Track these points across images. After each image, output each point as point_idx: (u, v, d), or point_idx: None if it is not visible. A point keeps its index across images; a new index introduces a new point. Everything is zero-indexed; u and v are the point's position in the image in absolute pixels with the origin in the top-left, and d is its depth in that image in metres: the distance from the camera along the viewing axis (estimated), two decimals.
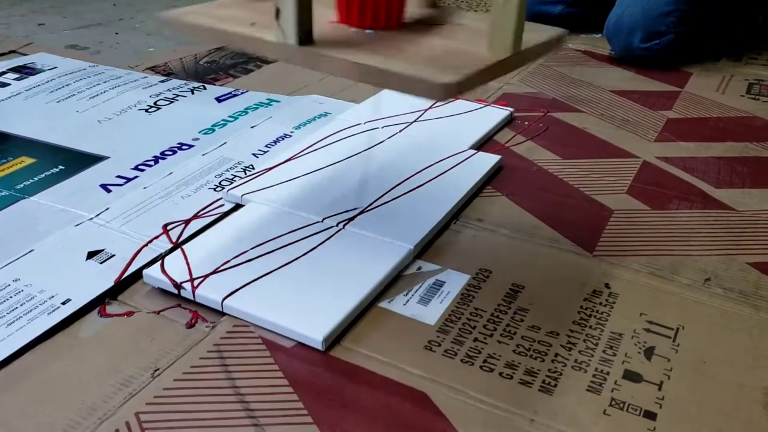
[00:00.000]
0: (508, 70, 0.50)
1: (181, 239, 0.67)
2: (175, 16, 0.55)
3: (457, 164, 0.79)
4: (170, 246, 0.66)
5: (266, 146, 0.86)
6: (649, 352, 0.55)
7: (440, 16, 0.58)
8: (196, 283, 0.59)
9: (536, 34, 0.53)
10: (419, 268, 0.64)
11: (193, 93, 1.02)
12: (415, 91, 0.45)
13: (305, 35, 0.49)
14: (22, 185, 0.77)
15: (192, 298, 0.58)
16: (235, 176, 0.78)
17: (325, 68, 0.49)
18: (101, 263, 0.63)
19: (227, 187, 0.74)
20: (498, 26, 0.48)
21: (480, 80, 0.47)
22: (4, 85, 1.05)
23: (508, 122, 0.94)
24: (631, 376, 0.52)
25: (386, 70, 0.46)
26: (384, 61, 0.47)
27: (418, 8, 0.59)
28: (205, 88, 1.04)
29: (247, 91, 1.03)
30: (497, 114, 0.92)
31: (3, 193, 0.75)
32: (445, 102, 0.95)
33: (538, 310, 0.59)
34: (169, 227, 0.69)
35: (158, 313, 0.58)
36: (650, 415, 0.49)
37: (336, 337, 0.55)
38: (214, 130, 0.90)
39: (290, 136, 0.89)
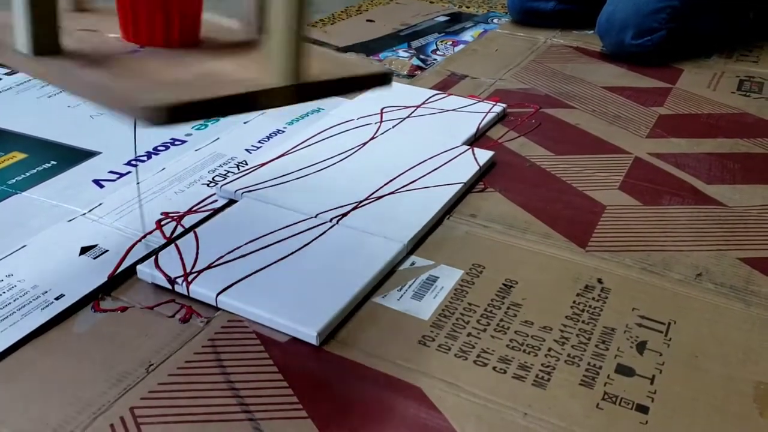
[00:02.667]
0: (285, 101, 0.45)
1: (174, 234, 0.67)
2: None
3: (450, 160, 0.79)
4: (164, 241, 0.66)
5: (259, 142, 0.86)
6: (641, 347, 0.55)
7: (257, 41, 0.53)
8: (190, 278, 0.59)
9: (340, 67, 0.48)
10: (413, 264, 0.64)
11: None
12: (122, 112, 0.41)
13: (42, 46, 0.45)
14: (14, 180, 0.76)
15: (186, 294, 0.58)
16: (229, 172, 0.78)
17: (52, 81, 0.45)
18: (94, 258, 0.63)
19: (220, 183, 0.74)
20: (272, 51, 0.44)
21: (225, 109, 0.43)
22: None
23: (500, 118, 0.94)
24: (624, 371, 0.53)
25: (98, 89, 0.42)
26: (96, 83, 0.43)
27: (246, 32, 0.56)
28: None
29: None
30: (490, 110, 0.93)
31: None
32: (440, 99, 0.95)
33: (531, 305, 0.59)
34: (162, 223, 0.68)
35: (152, 308, 0.58)
36: (642, 409, 0.49)
37: (330, 332, 0.55)
38: (206, 126, 0.90)
39: (283, 131, 0.89)
